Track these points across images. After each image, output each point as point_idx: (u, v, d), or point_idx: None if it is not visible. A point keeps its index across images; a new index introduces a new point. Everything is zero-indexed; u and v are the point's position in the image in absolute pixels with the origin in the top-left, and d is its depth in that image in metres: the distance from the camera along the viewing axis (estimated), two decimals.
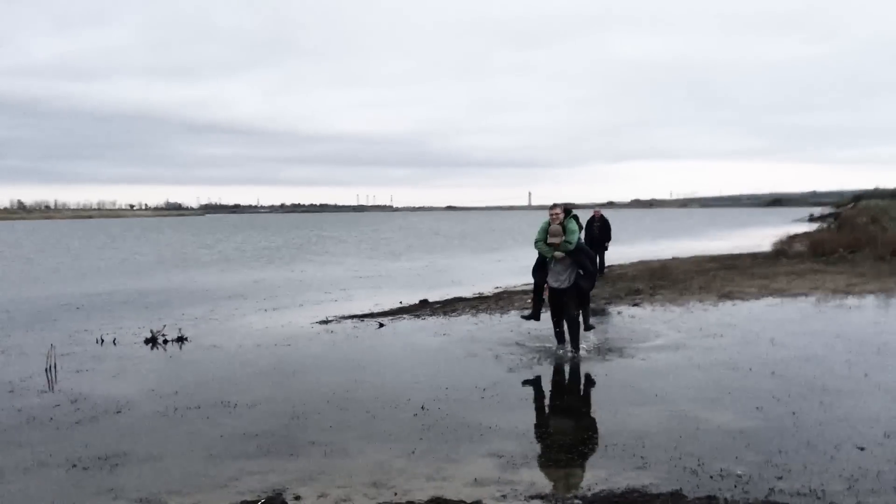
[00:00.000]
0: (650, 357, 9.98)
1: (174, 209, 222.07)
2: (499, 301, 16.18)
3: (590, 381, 8.89)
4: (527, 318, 10.92)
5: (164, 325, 12.32)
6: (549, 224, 10.04)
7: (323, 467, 6.04)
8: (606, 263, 21.38)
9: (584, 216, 16.92)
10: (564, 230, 9.91)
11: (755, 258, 25.17)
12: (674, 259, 26.52)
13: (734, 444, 6.48)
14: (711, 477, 5.70)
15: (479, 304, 15.73)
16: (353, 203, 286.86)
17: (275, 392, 8.52)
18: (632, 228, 63.15)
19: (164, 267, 28.62)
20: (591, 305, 14.76)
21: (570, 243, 9.90)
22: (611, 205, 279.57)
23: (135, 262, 31.80)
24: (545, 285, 10.32)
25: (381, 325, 13.07)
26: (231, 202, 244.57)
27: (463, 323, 13.09)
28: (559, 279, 10.13)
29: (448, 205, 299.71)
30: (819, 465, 5.90)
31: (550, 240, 9.93)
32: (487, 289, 18.78)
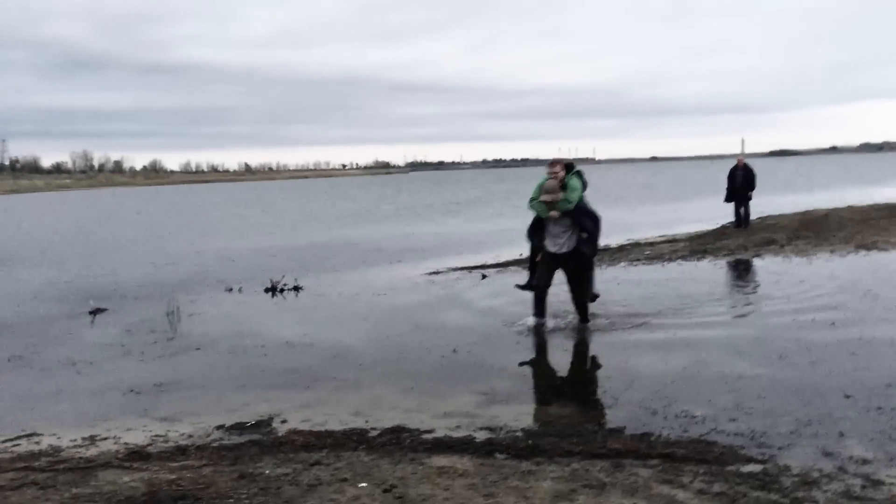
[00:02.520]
0: (712, 310, 9.96)
1: (382, 167, 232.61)
2: (618, 252, 16.27)
3: (628, 332, 9.01)
4: (522, 287, 9.57)
5: (284, 276, 13.65)
6: (546, 181, 9.03)
7: (325, 398, 6.87)
8: (753, 215, 20.58)
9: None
10: (565, 188, 8.92)
11: None
12: (848, 208, 24.88)
13: (721, 388, 6.60)
14: (665, 417, 5.94)
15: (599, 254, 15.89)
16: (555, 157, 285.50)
17: (337, 335, 9.47)
18: (831, 176, 58.85)
19: (340, 222, 30.60)
20: (731, 257, 14.59)
21: (570, 201, 8.83)
22: (834, 150, 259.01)
23: (317, 217, 34.19)
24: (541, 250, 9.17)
25: (484, 277, 13.69)
26: (435, 159, 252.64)
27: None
28: (557, 242, 8.99)
29: (652, 156, 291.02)
30: (785, 410, 5.95)
31: (544, 197, 8.88)
32: (620, 240, 18.79)
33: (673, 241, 17.99)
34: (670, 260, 14.67)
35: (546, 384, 7.15)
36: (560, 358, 8.08)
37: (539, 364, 7.88)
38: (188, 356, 8.70)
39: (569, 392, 6.87)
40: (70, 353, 9.01)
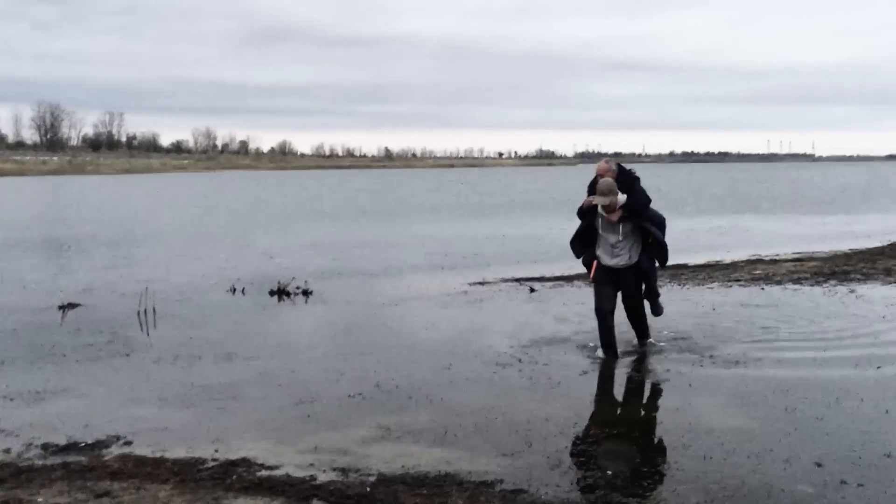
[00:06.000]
0: (748, 346, 9.43)
1: (545, 157, 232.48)
2: (721, 270, 15.59)
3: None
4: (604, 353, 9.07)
5: (293, 278, 13.95)
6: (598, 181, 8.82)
7: (197, 421, 7.08)
8: None
9: None
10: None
11: None
12: None
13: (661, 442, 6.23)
14: (564, 472, 5.67)
15: (696, 272, 15.30)
16: (761, 151, 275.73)
17: (290, 350, 9.68)
18: None
19: (429, 216, 30.79)
20: (854, 284, 13.65)
21: (639, 197, 8.75)
22: None
23: (407, 210, 34.60)
24: (594, 262, 9.02)
25: (532, 291, 13.48)
26: (611, 150, 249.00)
27: None
28: (614, 252, 8.84)
29: (890, 153, 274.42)
30: (738, 475, 5.55)
31: (598, 200, 8.65)
32: (741, 256, 18.00)
33: (804, 259, 17.00)
34: (778, 283, 13.88)
35: (456, 423, 6.90)
36: (485, 393, 7.81)
37: (466, 399, 7.60)
38: (104, 363, 9.10)
39: (471, 434, 6.63)
40: None
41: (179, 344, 9.93)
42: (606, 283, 8.93)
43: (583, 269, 14.61)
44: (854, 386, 7.69)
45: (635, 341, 9.36)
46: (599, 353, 9.00)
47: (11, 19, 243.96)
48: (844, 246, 19.86)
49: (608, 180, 8.68)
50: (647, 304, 9.27)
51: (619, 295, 9.01)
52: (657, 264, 9.06)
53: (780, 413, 6.97)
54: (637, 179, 8.89)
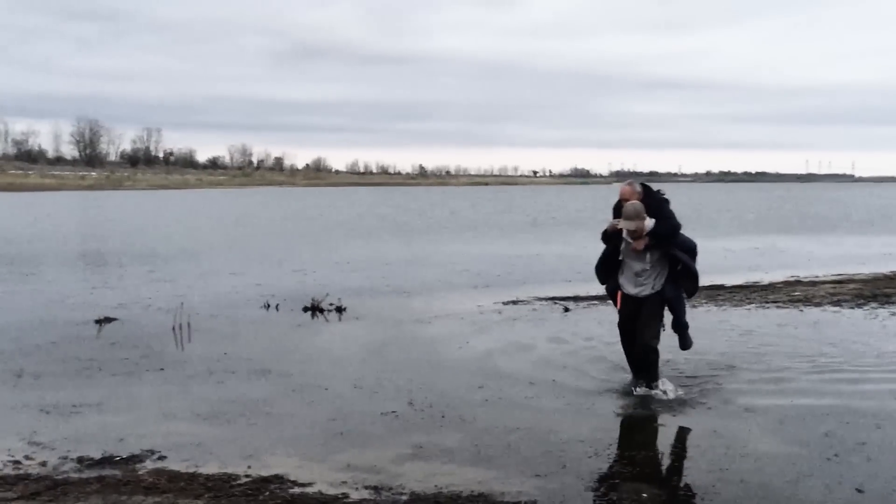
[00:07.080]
0: (781, 373, 9.30)
1: (580, 176, 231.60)
2: (759, 291, 15.43)
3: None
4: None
5: (327, 294, 14.00)
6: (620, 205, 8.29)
7: (231, 436, 7.10)
8: None
9: None
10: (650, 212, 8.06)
11: None
12: None
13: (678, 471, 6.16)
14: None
15: (733, 293, 15.16)
16: (800, 171, 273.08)
17: (324, 367, 9.69)
18: None
19: (465, 235, 30.82)
20: None
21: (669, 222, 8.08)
22: None
23: (445, 227, 34.68)
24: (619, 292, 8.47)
25: (567, 310, 13.44)
26: (647, 168, 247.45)
27: None
28: (638, 282, 8.30)
29: None
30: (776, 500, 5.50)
31: (625, 224, 8.08)
32: (778, 277, 17.81)
33: (843, 281, 16.81)
34: (817, 305, 13.73)
35: (490, 443, 6.89)
36: (519, 413, 7.77)
37: (499, 419, 7.57)
38: (139, 377, 9.16)
39: (504, 455, 6.61)
40: (30, 364, 9.71)
41: (213, 359, 10.00)
42: (632, 316, 8.32)
43: None
44: None
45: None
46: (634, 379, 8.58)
47: (52, 36, 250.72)
48: (886, 268, 19.58)
49: (636, 203, 8.04)
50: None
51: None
52: (685, 294, 8.44)
53: (819, 438, 6.88)
54: (666, 201, 8.26)
